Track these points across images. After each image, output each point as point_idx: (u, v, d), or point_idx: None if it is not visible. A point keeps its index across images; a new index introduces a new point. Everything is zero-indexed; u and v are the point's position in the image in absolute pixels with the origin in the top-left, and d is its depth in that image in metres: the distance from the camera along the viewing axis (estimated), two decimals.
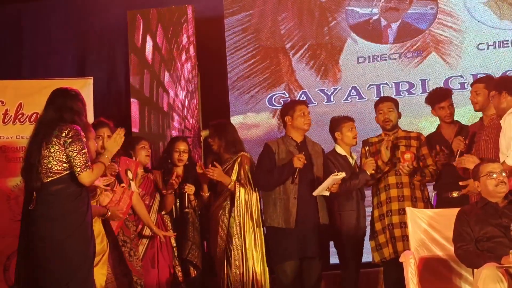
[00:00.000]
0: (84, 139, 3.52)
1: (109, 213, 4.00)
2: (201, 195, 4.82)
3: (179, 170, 4.91)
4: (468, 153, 4.42)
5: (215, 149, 4.90)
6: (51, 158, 3.46)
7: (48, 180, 3.46)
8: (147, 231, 4.66)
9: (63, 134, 3.46)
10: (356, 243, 4.79)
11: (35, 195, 3.47)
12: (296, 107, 4.72)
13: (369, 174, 4.68)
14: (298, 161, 4.49)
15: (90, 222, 3.57)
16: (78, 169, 3.45)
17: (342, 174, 4.47)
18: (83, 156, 3.46)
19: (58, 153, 3.46)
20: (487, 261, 3.46)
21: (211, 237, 4.77)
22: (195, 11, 6.29)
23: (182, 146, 4.92)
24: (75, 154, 3.45)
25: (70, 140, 3.45)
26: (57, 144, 3.46)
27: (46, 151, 3.47)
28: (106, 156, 3.66)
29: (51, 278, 3.43)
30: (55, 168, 3.46)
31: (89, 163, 3.50)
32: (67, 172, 3.48)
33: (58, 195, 3.46)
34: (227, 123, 5.22)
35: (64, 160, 3.47)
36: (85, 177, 3.47)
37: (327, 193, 4.55)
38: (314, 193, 4.52)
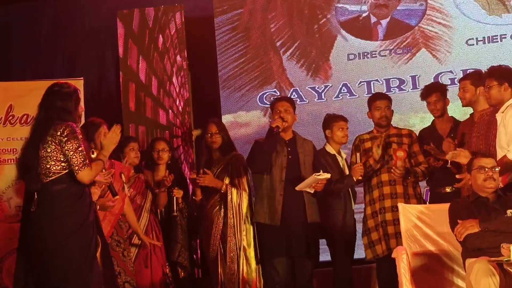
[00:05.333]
0: (80, 136, 3.48)
1: (98, 206, 3.95)
2: (193, 199, 4.79)
3: (162, 169, 4.91)
4: None
5: (217, 147, 4.79)
6: (49, 159, 3.43)
7: (48, 180, 3.43)
8: None
9: (58, 133, 3.43)
10: (346, 241, 4.79)
11: (36, 196, 3.43)
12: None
13: (355, 180, 4.68)
14: (274, 121, 4.53)
15: (92, 221, 3.53)
16: (76, 167, 3.42)
17: (326, 175, 4.45)
18: (80, 154, 3.43)
19: (55, 152, 3.43)
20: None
21: (205, 237, 4.76)
22: (184, 10, 6.28)
23: (160, 146, 4.94)
24: (71, 153, 3.42)
25: (65, 138, 3.42)
26: (53, 143, 3.43)
27: (43, 151, 3.44)
28: (104, 153, 3.62)
29: (52, 278, 3.40)
30: (54, 168, 3.43)
31: (87, 161, 3.46)
32: (66, 171, 3.45)
33: (59, 196, 3.43)
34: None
35: (62, 159, 3.44)
36: (84, 175, 3.45)
37: (311, 191, 4.55)
38: (297, 188, 4.53)
